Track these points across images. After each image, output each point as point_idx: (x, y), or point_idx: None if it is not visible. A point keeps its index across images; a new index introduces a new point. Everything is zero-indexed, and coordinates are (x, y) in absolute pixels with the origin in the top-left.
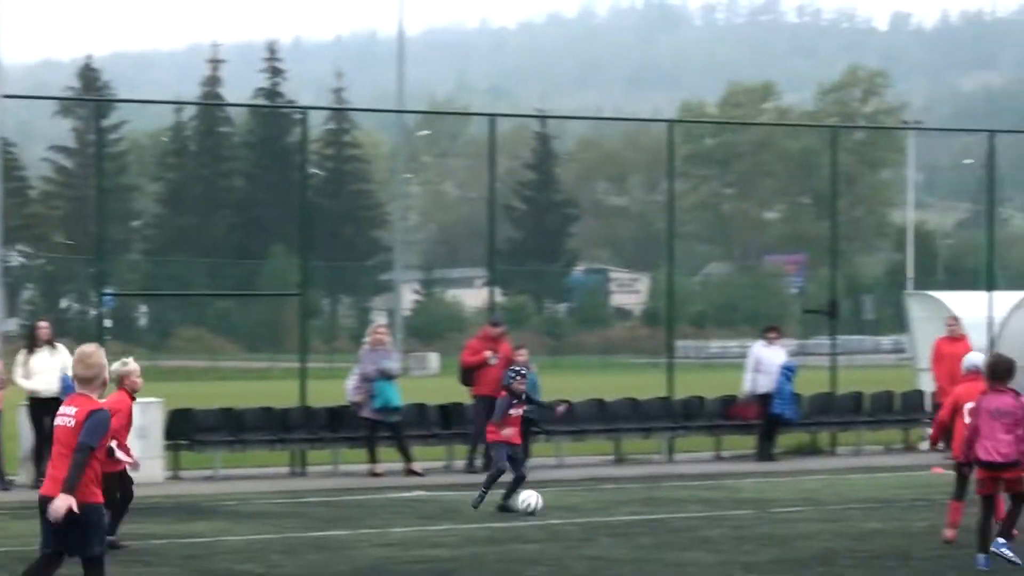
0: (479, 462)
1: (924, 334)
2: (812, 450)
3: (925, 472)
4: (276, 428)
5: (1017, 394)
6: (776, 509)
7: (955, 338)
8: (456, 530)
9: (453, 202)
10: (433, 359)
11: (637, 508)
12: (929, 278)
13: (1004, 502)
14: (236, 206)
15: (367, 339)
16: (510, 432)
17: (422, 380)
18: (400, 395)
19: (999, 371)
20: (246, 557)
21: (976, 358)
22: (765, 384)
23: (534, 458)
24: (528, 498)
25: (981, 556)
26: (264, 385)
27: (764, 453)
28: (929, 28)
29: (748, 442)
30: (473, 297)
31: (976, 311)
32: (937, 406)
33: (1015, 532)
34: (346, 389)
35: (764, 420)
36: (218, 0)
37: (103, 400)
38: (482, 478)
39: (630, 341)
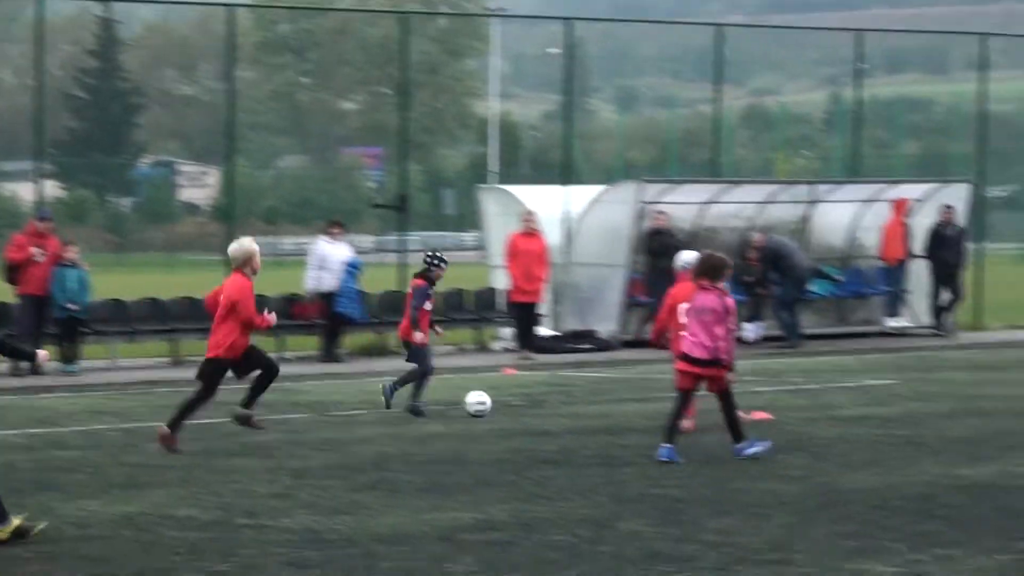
0: (25, 365)
1: (499, 230)
2: (380, 351)
3: (496, 373)
4: None
5: (723, 292)
6: (336, 412)
7: (530, 233)
8: None
9: (9, 90)
10: None
11: None
12: (514, 171)
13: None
14: None
15: None
16: (421, 337)
17: None
18: None
19: (704, 268)
20: None
21: (690, 256)
22: (329, 282)
23: (85, 360)
24: (481, 403)
25: (664, 448)
26: None
27: (328, 354)
28: None
29: (312, 342)
30: (30, 191)
31: (553, 206)
32: (512, 304)
33: (689, 426)
34: None
35: (328, 319)
36: None
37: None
38: (24, 382)
39: (199, 238)
